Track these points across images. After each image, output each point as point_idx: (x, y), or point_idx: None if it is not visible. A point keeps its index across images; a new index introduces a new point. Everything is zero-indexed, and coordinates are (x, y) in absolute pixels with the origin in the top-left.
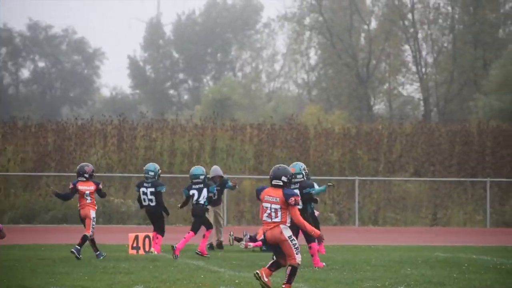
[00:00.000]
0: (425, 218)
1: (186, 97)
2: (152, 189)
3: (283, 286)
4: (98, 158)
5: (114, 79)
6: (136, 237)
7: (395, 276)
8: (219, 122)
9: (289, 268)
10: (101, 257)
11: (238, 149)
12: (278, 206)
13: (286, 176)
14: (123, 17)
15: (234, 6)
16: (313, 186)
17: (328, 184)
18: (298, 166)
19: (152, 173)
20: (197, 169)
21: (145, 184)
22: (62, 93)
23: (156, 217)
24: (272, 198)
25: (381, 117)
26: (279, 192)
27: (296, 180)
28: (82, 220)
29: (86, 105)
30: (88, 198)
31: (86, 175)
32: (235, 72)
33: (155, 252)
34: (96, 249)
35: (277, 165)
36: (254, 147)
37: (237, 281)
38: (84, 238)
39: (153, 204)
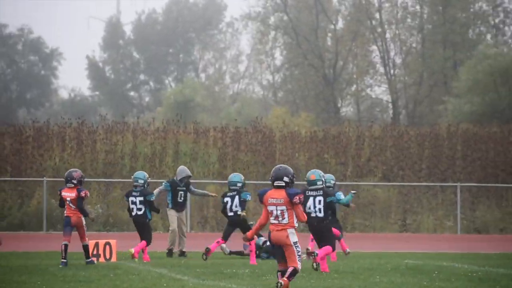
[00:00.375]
0: (394, 224)
1: (147, 99)
2: (141, 198)
3: (282, 280)
4: (57, 162)
5: (72, 80)
6: (96, 244)
7: (363, 284)
8: (182, 125)
9: (291, 268)
10: (92, 263)
11: (202, 152)
12: (283, 207)
13: (288, 176)
14: (82, 16)
15: (196, 4)
16: (334, 195)
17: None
18: (317, 173)
19: (142, 181)
20: (235, 176)
21: (133, 193)
22: (18, 94)
23: (143, 227)
24: (276, 200)
25: (348, 120)
26: (282, 192)
27: (315, 187)
28: (73, 228)
29: (44, 107)
30: (72, 205)
31: (74, 181)
32: (198, 73)
33: (144, 261)
34: (87, 256)
35: (278, 166)
36: (218, 150)
37: None
38: (86, 248)
39: (140, 213)
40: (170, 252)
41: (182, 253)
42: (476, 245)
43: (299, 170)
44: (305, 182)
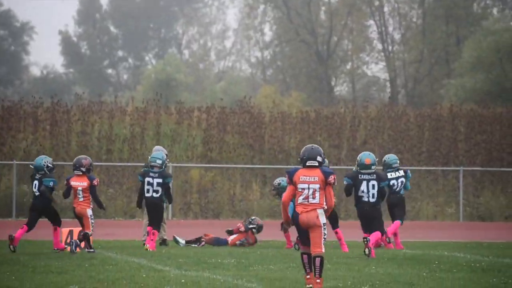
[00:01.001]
0: None
1: (126, 77)
2: (159, 180)
3: (318, 281)
4: (28, 144)
5: (45, 57)
6: (71, 232)
7: (358, 275)
8: (163, 105)
9: (317, 260)
10: (92, 253)
11: (185, 134)
12: (317, 186)
13: (320, 156)
14: None
15: None
16: (386, 180)
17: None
18: (372, 157)
19: (160, 162)
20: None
21: (151, 174)
22: None
23: (157, 210)
24: (310, 178)
25: (343, 99)
26: (317, 171)
27: (369, 171)
28: (78, 218)
29: (14, 86)
30: (81, 195)
31: (83, 169)
32: (181, 50)
33: (150, 249)
34: (90, 246)
35: (309, 145)
36: (202, 132)
37: (183, 280)
38: (86, 236)
39: (157, 195)
40: (163, 242)
41: (163, 242)
42: (479, 233)
43: (289, 153)
44: (292, 166)
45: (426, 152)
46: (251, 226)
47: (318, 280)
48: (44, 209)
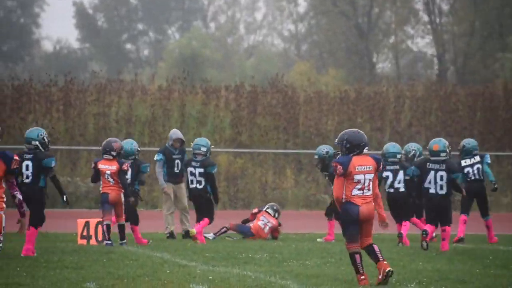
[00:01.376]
0: None
1: (146, 52)
2: (201, 170)
3: (385, 262)
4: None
5: (58, 30)
6: (87, 224)
7: (403, 272)
8: (188, 84)
9: (375, 246)
10: (124, 245)
11: (212, 116)
12: (372, 176)
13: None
14: None
15: None
16: (462, 171)
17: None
18: (442, 143)
19: (204, 149)
20: (394, 146)
21: (193, 163)
22: None
23: (202, 202)
24: (366, 167)
25: (386, 77)
26: (371, 159)
27: (438, 159)
28: (106, 205)
29: (24, 62)
30: (111, 180)
31: (113, 153)
32: (207, 23)
33: (200, 243)
34: (108, 238)
35: (352, 130)
36: (231, 114)
37: (210, 277)
38: (122, 228)
39: (200, 186)
40: (171, 235)
41: (187, 234)
42: None
43: (326, 137)
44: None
45: (478, 135)
46: (265, 208)
47: (385, 262)
48: (32, 200)
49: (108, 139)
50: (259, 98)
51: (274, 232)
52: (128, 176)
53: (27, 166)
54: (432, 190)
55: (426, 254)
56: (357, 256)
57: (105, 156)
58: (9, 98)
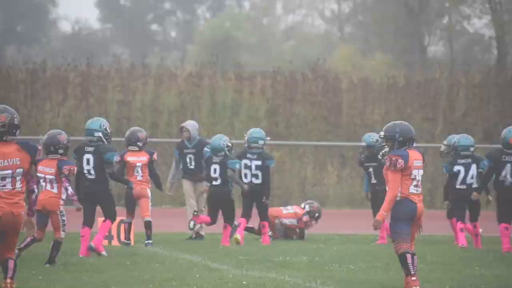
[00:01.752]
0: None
1: (174, 34)
2: (259, 163)
3: (412, 279)
4: (55, 116)
5: (76, 9)
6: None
7: (458, 277)
8: (220, 69)
9: (415, 256)
10: (150, 246)
11: (246, 105)
12: (422, 171)
13: None
14: None
15: None
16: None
17: None
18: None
19: (262, 142)
20: (467, 139)
21: (248, 155)
22: (6, 27)
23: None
24: (419, 162)
25: (438, 62)
26: (419, 153)
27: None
28: (131, 202)
29: (39, 44)
30: (140, 173)
31: (140, 144)
32: (241, 2)
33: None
34: (129, 237)
35: (400, 121)
36: (266, 102)
37: (244, 282)
38: (149, 225)
39: (257, 181)
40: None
41: (199, 236)
42: None
43: (372, 128)
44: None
45: None
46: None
47: (413, 278)
48: (101, 196)
49: (132, 128)
50: (298, 85)
51: (300, 223)
52: (217, 173)
53: (87, 160)
54: (507, 183)
55: (483, 258)
56: (408, 256)
57: (131, 148)
58: (22, 83)
